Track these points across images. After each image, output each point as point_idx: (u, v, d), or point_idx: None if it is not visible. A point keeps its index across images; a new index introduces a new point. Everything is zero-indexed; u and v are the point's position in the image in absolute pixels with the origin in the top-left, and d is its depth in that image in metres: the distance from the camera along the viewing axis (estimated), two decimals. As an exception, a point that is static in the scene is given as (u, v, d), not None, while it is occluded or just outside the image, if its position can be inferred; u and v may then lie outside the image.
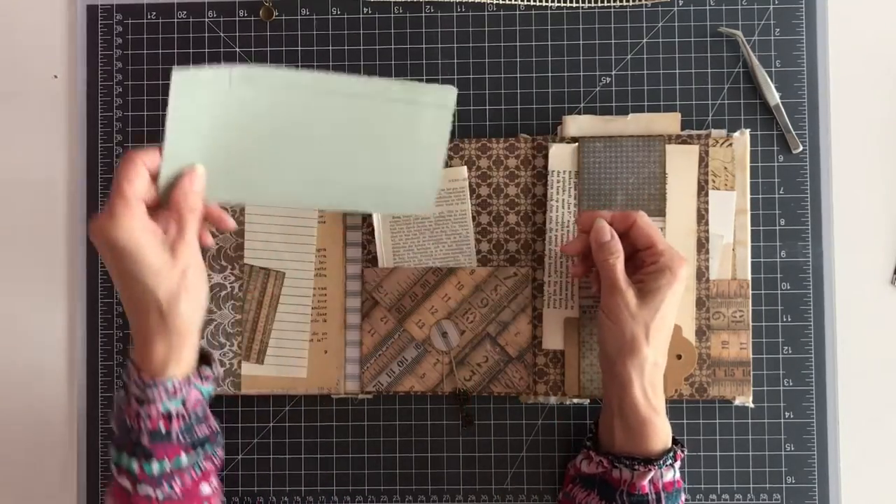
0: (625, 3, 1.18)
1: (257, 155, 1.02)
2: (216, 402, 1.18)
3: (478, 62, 1.19)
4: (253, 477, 1.18)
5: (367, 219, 1.17)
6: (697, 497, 1.16)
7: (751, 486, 1.16)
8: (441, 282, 1.16)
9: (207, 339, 1.16)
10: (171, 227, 0.96)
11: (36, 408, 1.21)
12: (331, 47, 1.20)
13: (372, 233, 1.16)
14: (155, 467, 0.95)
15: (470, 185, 1.16)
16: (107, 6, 1.21)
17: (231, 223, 1.05)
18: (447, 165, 1.16)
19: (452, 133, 1.14)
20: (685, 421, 1.15)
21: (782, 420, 1.16)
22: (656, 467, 0.98)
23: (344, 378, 1.17)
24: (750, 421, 1.16)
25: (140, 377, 0.96)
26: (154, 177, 0.96)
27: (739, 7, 1.18)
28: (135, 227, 0.92)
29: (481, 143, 1.16)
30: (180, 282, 0.95)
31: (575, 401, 1.17)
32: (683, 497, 1.02)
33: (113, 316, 1.19)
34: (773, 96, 1.16)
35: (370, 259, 1.17)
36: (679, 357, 1.13)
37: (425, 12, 1.20)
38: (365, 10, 1.20)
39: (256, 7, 1.20)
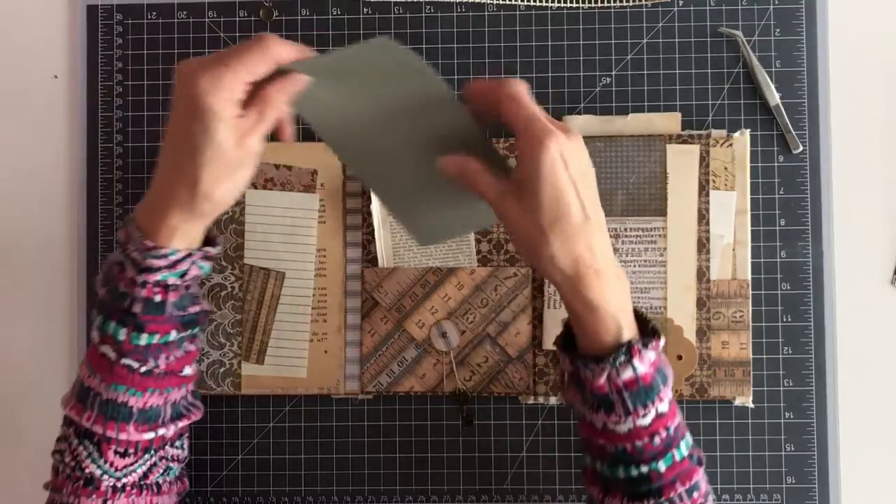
0: (625, 3, 1.18)
1: (367, 118, 0.97)
2: (216, 403, 1.18)
3: (478, 62, 1.19)
4: (253, 477, 1.18)
5: (367, 218, 1.17)
6: (697, 497, 1.16)
7: (751, 486, 1.16)
8: (441, 282, 1.16)
9: (207, 338, 1.17)
10: (250, 116, 0.91)
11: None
12: (331, 47, 1.20)
13: (372, 233, 1.16)
14: (143, 339, 0.94)
15: (470, 186, 1.16)
16: (107, 6, 1.21)
17: (289, 135, 1.00)
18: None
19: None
20: (685, 421, 1.15)
21: (782, 420, 1.16)
22: (608, 365, 0.91)
23: (344, 378, 1.17)
24: (750, 421, 1.16)
25: (143, 242, 0.92)
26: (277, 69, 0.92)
27: (739, 7, 1.18)
28: (226, 98, 0.88)
29: (481, 144, 1.16)
30: (229, 171, 0.91)
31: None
32: (666, 393, 0.95)
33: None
34: (773, 96, 1.16)
35: (370, 259, 1.17)
36: (679, 357, 1.13)
37: (425, 12, 1.20)
38: (365, 10, 1.20)
39: (256, 7, 1.20)
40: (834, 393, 1.16)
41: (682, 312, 1.13)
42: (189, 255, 0.94)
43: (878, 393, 1.18)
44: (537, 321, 1.16)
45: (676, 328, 1.13)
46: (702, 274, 1.14)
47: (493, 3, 1.19)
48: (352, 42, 1.08)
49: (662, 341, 0.96)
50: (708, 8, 1.18)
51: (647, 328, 0.97)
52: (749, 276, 1.15)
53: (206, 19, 1.21)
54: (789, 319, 1.16)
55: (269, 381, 1.17)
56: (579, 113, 1.18)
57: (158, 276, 0.93)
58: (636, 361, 0.92)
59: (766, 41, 1.17)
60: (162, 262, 0.92)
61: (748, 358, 1.14)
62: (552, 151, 0.88)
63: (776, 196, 1.17)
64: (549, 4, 1.19)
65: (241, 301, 1.17)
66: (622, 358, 0.91)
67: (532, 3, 1.19)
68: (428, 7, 1.20)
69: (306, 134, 1.18)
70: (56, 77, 1.22)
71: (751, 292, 1.15)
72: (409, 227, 1.06)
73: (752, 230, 1.16)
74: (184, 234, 0.94)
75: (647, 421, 0.93)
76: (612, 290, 0.93)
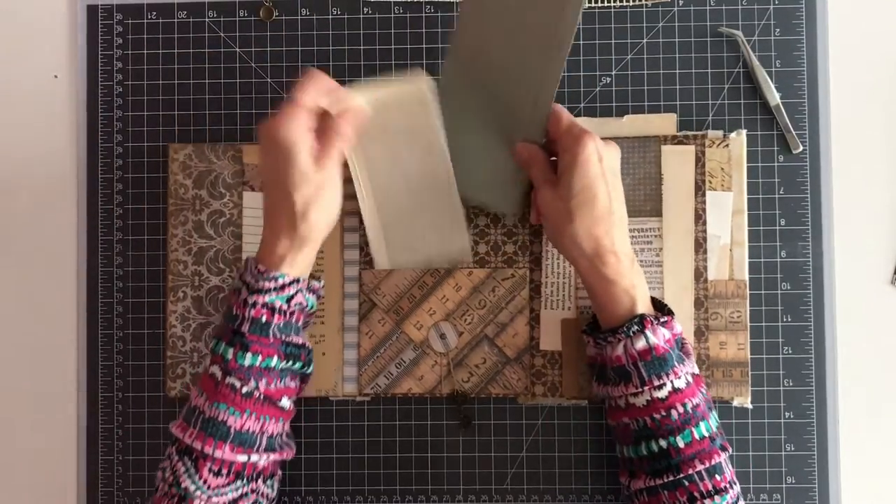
0: (625, 3, 1.18)
1: None
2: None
3: (478, 62, 1.19)
4: (253, 477, 1.19)
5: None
6: (696, 498, 1.16)
7: (751, 486, 1.16)
8: (439, 284, 1.16)
9: (207, 340, 1.17)
10: (323, 144, 1.03)
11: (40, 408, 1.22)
12: (331, 47, 1.20)
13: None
14: (247, 358, 1.01)
15: (469, 186, 1.16)
16: (107, 6, 1.21)
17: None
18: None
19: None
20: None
21: (782, 420, 1.16)
22: (623, 335, 1.01)
23: (342, 380, 1.17)
24: (750, 421, 1.16)
25: (256, 268, 1.02)
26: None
27: (739, 7, 1.17)
28: (295, 127, 1.00)
29: (480, 145, 1.16)
30: (316, 191, 1.01)
31: (573, 401, 1.17)
32: (683, 371, 1.01)
33: (113, 316, 1.20)
34: (773, 96, 1.16)
35: (368, 261, 1.17)
36: (677, 358, 1.13)
37: (425, 12, 1.20)
38: (365, 10, 1.20)
39: (256, 7, 1.21)
40: (834, 393, 1.16)
41: (679, 313, 1.13)
42: (295, 280, 1.03)
43: (878, 393, 1.17)
44: (535, 322, 1.16)
45: (674, 329, 1.13)
46: (699, 274, 1.14)
47: (492, 3, 1.19)
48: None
49: (679, 327, 1.04)
50: (708, 8, 1.18)
51: (664, 311, 1.06)
52: (746, 277, 1.15)
53: (206, 19, 1.21)
54: (789, 319, 1.16)
55: (268, 383, 1.17)
56: (579, 113, 1.18)
57: (267, 298, 1.02)
58: (648, 332, 1.00)
59: (766, 41, 1.17)
60: (271, 284, 1.02)
61: (746, 358, 1.14)
62: (589, 146, 1.02)
63: (776, 196, 1.17)
64: (549, 4, 1.19)
65: (239, 302, 1.18)
66: (635, 328, 1.01)
67: (532, 3, 1.19)
68: (428, 7, 1.20)
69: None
70: (56, 77, 1.23)
71: (749, 292, 1.15)
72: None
73: (752, 230, 1.16)
74: (291, 262, 1.03)
75: (662, 394, 1.00)
76: (627, 270, 1.03)
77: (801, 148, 1.16)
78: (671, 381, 0.99)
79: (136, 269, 1.20)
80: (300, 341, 1.06)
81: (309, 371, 1.09)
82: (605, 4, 1.18)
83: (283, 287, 1.02)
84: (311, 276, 1.08)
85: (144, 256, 1.20)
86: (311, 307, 1.08)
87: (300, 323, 1.06)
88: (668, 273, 1.14)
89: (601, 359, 1.05)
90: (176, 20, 1.21)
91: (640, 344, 1.00)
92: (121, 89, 1.21)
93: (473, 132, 1.11)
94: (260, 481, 1.04)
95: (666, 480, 0.99)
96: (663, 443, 0.99)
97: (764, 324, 1.16)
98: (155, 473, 1.15)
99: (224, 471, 1.00)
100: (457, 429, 1.18)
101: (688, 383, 1.01)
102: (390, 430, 1.18)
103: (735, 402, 1.15)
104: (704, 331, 1.14)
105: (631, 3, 1.18)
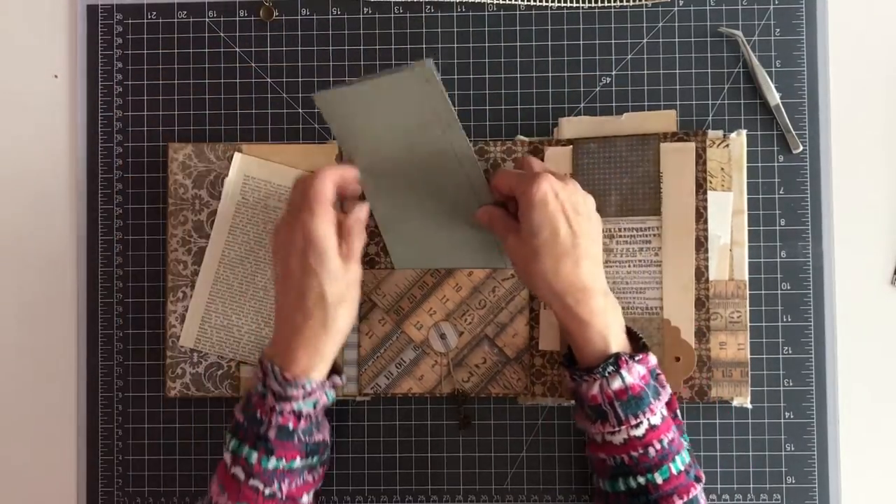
0: (625, 3, 1.18)
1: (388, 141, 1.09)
2: (215, 404, 1.18)
3: (478, 62, 1.19)
4: (253, 477, 1.19)
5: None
6: (697, 497, 1.16)
7: (751, 486, 1.16)
8: (439, 284, 1.16)
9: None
10: (342, 244, 1.03)
11: (39, 412, 1.22)
12: (331, 47, 1.20)
13: (370, 235, 1.16)
14: (272, 462, 1.01)
15: (468, 186, 1.16)
16: (107, 6, 1.21)
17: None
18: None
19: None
20: (685, 421, 1.15)
21: (782, 420, 1.16)
22: (598, 376, 1.00)
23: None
24: (750, 421, 1.16)
25: (283, 376, 1.01)
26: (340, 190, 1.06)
27: (739, 7, 1.17)
28: (328, 226, 1.01)
29: (479, 147, 1.16)
30: (346, 291, 1.03)
31: (573, 402, 1.16)
32: (658, 407, 1.01)
33: (113, 316, 1.20)
34: (773, 96, 1.16)
35: (368, 261, 1.17)
36: (677, 359, 1.13)
37: (425, 12, 1.20)
38: (365, 10, 1.20)
39: (256, 7, 1.20)
40: (834, 393, 1.16)
41: (680, 313, 1.13)
42: (322, 384, 1.04)
43: (878, 393, 1.17)
44: (535, 322, 1.16)
45: (674, 329, 1.13)
46: (700, 274, 1.13)
47: (493, 3, 1.19)
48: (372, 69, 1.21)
49: (653, 359, 1.04)
50: (708, 8, 1.18)
51: (639, 345, 1.06)
52: (746, 277, 1.14)
53: (206, 19, 1.21)
54: (789, 319, 1.16)
55: (267, 383, 1.17)
56: (579, 113, 1.18)
57: (294, 406, 1.01)
58: (624, 372, 1.00)
59: (766, 41, 1.17)
60: (299, 393, 1.01)
61: (746, 359, 1.14)
62: (543, 184, 1.00)
63: (776, 196, 1.17)
64: (549, 4, 1.18)
65: (238, 303, 1.18)
66: (610, 368, 1.00)
67: (532, 3, 1.19)
68: (428, 7, 1.20)
69: (306, 134, 1.19)
70: (56, 77, 1.23)
71: (748, 293, 1.14)
72: (391, 248, 1.17)
73: (752, 230, 1.16)
74: (317, 365, 1.03)
75: (640, 432, 0.99)
76: (599, 307, 1.02)
77: (801, 148, 1.16)
78: (647, 419, 0.99)
79: (136, 269, 1.20)
80: (320, 438, 1.06)
81: (325, 462, 1.09)
82: (605, 4, 1.18)
83: (310, 393, 1.02)
84: (333, 370, 1.08)
85: (144, 256, 1.20)
86: (332, 401, 1.07)
87: (321, 418, 1.07)
88: (668, 272, 1.13)
89: (578, 394, 1.04)
90: (176, 20, 1.21)
91: (616, 384, 0.99)
92: (121, 89, 1.21)
93: (428, 213, 1.13)
94: None
95: None
96: (641, 479, 0.99)
97: (764, 324, 1.16)
98: (155, 473, 1.16)
99: None
100: (457, 429, 1.18)
101: (663, 417, 1.01)
102: (390, 430, 1.18)
103: (735, 402, 1.15)
104: (705, 331, 1.14)
105: (631, 3, 1.18)
